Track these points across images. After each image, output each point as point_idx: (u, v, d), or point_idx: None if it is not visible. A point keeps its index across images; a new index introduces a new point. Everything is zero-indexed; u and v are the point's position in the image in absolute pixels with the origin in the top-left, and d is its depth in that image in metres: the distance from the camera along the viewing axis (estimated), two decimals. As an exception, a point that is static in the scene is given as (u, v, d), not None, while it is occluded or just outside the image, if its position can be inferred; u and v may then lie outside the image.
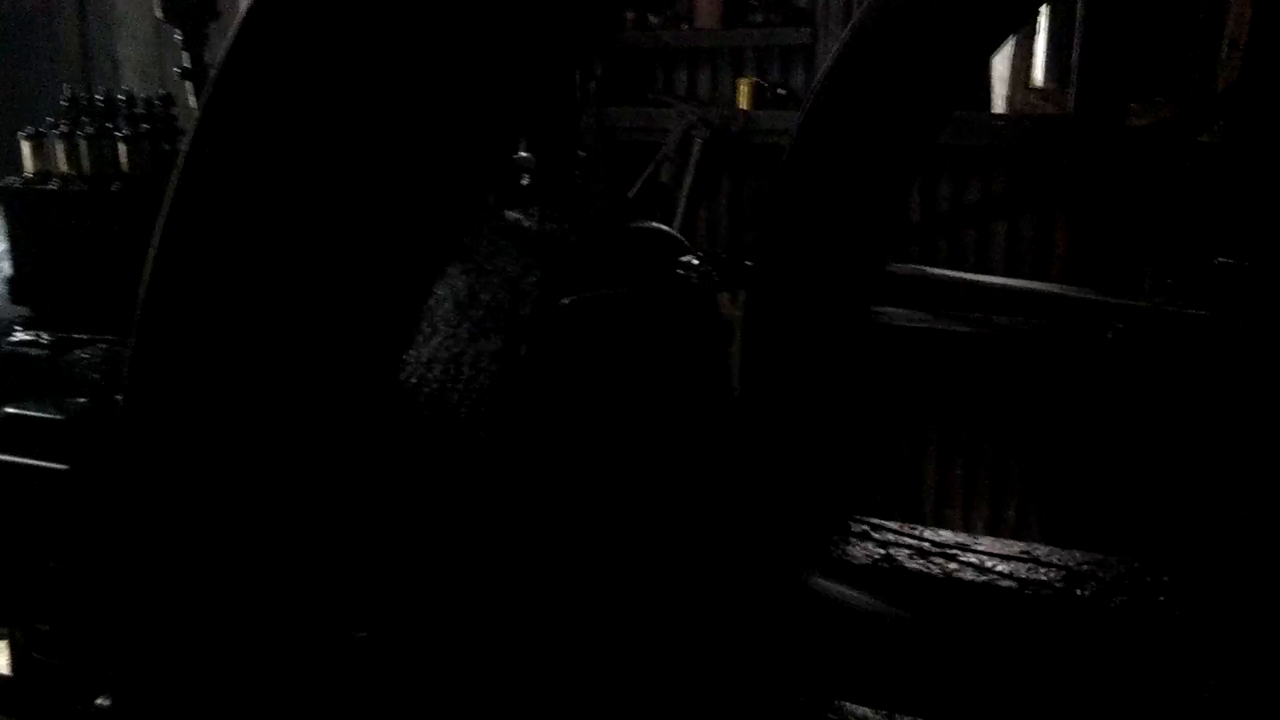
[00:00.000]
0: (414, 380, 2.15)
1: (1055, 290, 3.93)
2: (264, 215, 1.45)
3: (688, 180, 7.75)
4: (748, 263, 3.28)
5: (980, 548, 2.82)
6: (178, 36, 2.59)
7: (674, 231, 2.86)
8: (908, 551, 2.78)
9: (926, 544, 2.85)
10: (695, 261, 2.71)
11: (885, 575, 2.73)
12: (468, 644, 1.97)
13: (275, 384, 1.46)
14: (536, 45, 1.53)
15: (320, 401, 1.48)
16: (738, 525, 2.71)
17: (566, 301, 2.27)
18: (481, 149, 1.57)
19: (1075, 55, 6.45)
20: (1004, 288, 4.14)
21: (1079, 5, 6.41)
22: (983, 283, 4.20)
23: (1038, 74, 7.06)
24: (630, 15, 8.01)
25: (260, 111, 1.43)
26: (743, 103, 7.82)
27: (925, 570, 2.72)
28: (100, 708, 1.48)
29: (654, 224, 2.78)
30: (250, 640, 1.50)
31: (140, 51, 8.40)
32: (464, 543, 1.97)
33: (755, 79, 7.84)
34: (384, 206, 1.47)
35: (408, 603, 1.90)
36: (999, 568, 2.71)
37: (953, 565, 2.73)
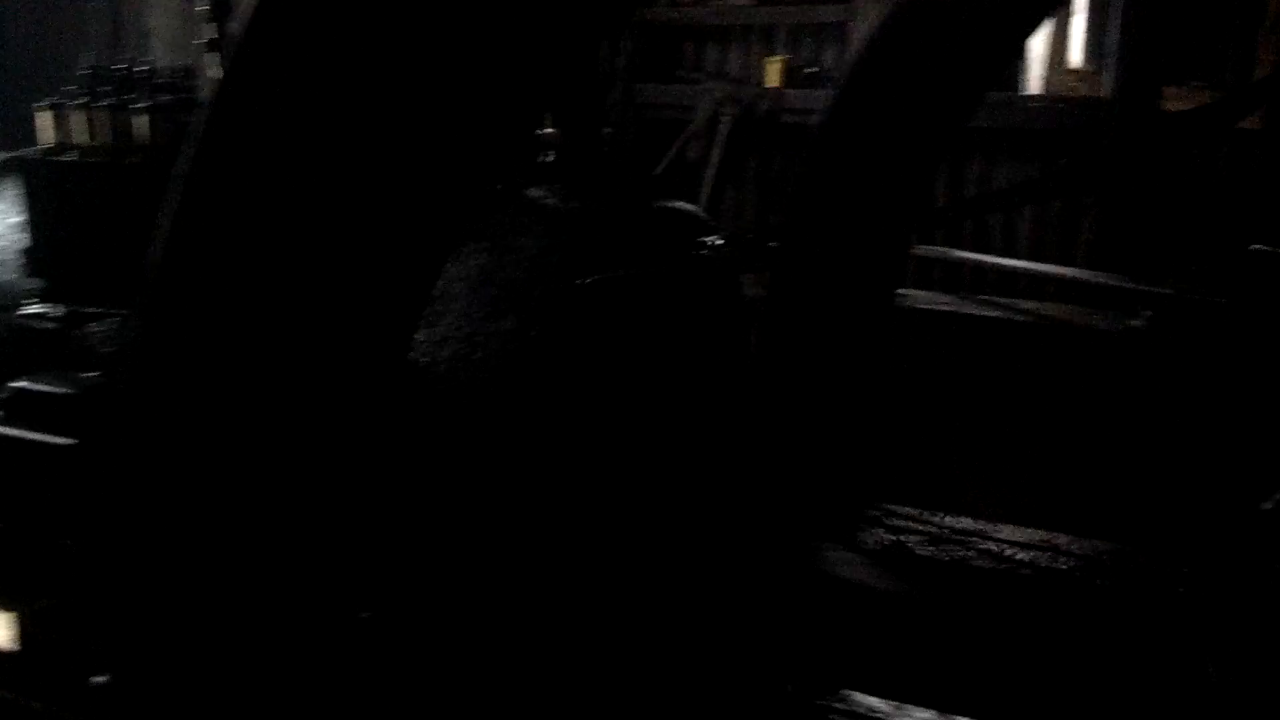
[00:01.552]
0: (426, 359, 2.14)
1: (1083, 276, 3.88)
2: (274, 191, 1.43)
3: (715, 159, 7.70)
4: (771, 244, 3.25)
5: (999, 535, 2.78)
6: (203, 8, 2.58)
7: (698, 211, 2.83)
8: (919, 538, 2.75)
9: (945, 530, 2.81)
10: (718, 241, 2.68)
11: (893, 562, 2.70)
12: (473, 624, 1.96)
13: (280, 362, 1.45)
14: (554, 23, 1.50)
15: (327, 379, 1.47)
16: (752, 506, 2.69)
17: (584, 281, 2.25)
18: (497, 128, 1.55)
19: (1112, 38, 6.36)
20: (1030, 272, 4.09)
21: (1117, -13, 6.32)
22: (1008, 266, 4.15)
23: (1074, 56, 6.97)
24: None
25: (275, 86, 1.41)
26: (773, 81, 7.74)
27: (934, 557, 2.68)
28: (97, 685, 1.48)
29: (678, 203, 2.76)
30: (254, 618, 1.50)
31: (170, 23, 8.41)
32: (473, 524, 1.95)
33: (787, 57, 7.77)
34: (397, 183, 1.45)
35: (413, 583, 1.89)
36: (1018, 556, 2.68)
37: (967, 553, 2.69)
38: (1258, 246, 3.38)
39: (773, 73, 7.75)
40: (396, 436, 1.97)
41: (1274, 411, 2.76)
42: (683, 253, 2.63)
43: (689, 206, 2.82)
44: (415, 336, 2.11)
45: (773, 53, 7.85)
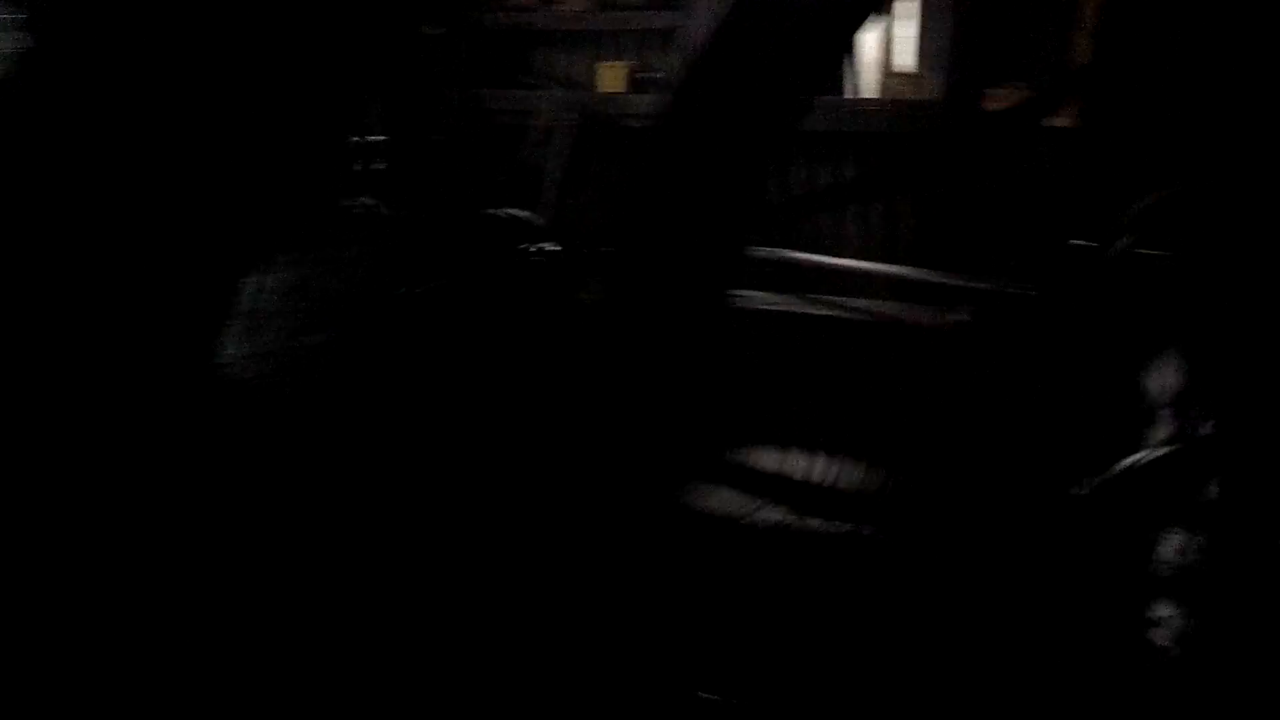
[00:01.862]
0: (248, 374, 2.09)
1: (907, 273, 4.00)
2: (68, 201, 1.39)
3: (556, 164, 7.69)
4: (604, 249, 3.26)
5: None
6: (17, 16, 2.49)
7: (531, 216, 2.83)
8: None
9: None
10: (551, 247, 2.69)
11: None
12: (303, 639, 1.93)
13: (75, 370, 1.41)
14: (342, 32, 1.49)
15: (123, 390, 1.43)
16: (589, 509, 2.70)
17: (406, 291, 2.23)
18: (296, 135, 1.53)
19: (937, 41, 6.55)
20: (859, 270, 4.20)
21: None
22: (838, 265, 4.25)
23: (900, 59, 7.15)
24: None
25: (62, 89, 1.37)
26: (614, 86, 7.79)
27: None
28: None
29: (510, 210, 2.75)
30: (55, 639, 1.45)
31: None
32: (292, 538, 1.92)
33: (627, 63, 7.82)
34: (178, 193, 1.42)
35: (230, 604, 1.85)
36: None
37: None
38: (1075, 241, 3.52)
39: (613, 78, 7.80)
40: (212, 451, 1.92)
41: (1085, 400, 2.88)
42: (513, 259, 2.63)
43: (521, 213, 2.82)
44: (233, 352, 2.06)
45: (614, 59, 7.90)
